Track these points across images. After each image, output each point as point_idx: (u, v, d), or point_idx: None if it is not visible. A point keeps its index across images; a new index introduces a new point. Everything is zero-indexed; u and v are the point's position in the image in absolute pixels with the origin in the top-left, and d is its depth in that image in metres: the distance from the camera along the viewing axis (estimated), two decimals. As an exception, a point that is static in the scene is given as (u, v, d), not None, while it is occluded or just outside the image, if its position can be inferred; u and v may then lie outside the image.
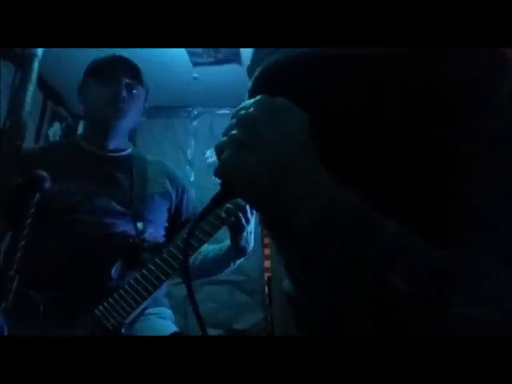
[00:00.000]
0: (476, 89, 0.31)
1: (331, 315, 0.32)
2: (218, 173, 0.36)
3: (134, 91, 1.14)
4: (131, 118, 1.15)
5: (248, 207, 1.02)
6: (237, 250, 1.07)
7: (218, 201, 0.39)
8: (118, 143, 1.18)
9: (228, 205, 1.00)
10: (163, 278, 0.92)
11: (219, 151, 0.37)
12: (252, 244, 1.10)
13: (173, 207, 1.19)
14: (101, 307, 0.88)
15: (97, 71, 1.15)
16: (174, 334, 0.95)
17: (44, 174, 0.72)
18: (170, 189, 1.20)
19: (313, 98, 0.36)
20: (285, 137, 0.34)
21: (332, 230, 0.30)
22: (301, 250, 0.32)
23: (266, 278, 2.10)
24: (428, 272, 0.27)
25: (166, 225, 1.16)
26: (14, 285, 0.63)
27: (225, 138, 0.37)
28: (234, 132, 0.36)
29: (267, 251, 2.12)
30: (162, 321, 1.03)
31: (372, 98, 0.34)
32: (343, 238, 0.29)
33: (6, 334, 0.65)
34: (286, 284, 0.41)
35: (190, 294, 0.38)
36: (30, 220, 0.69)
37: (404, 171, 0.34)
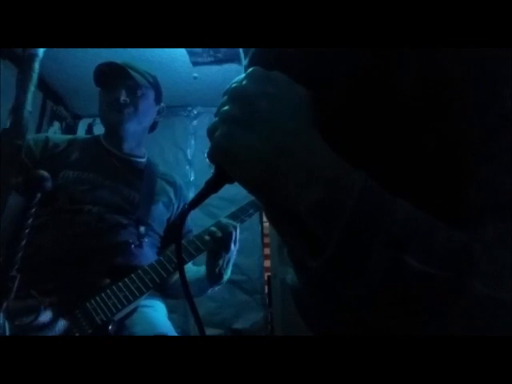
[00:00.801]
0: (477, 81, 0.31)
1: (340, 306, 0.31)
2: (210, 154, 0.33)
3: (138, 92, 1.16)
4: (138, 120, 1.17)
5: (232, 235, 1.00)
6: (210, 276, 1.04)
7: (212, 186, 0.35)
8: (133, 146, 1.22)
9: (212, 228, 1.00)
10: (157, 279, 0.93)
11: (211, 132, 0.33)
12: (227, 276, 1.06)
13: (172, 218, 1.22)
14: (93, 301, 0.89)
15: (98, 78, 1.17)
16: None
17: (45, 173, 0.72)
18: (174, 199, 1.23)
19: (312, 74, 0.34)
20: (283, 113, 0.31)
21: (338, 210, 0.27)
22: (304, 233, 0.30)
23: (266, 278, 2.10)
24: (445, 251, 0.26)
25: (162, 234, 1.19)
26: (16, 284, 0.63)
27: (216, 118, 0.33)
28: (226, 108, 0.32)
29: (267, 251, 2.12)
30: (155, 313, 1.05)
31: (373, 80, 0.32)
32: (351, 219, 0.27)
33: (7, 333, 0.65)
34: (290, 278, 0.39)
35: (188, 295, 0.38)
36: (31, 220, 0.69)
37: (410, 157, 0.32)
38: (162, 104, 1.28)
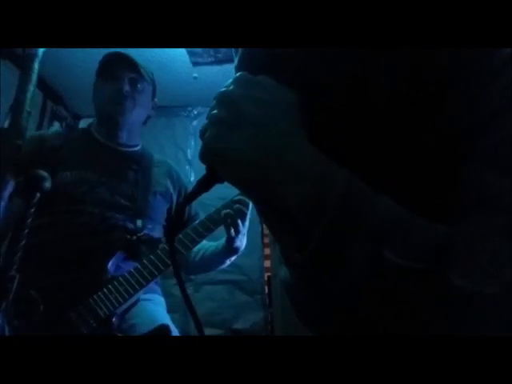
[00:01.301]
0: (472, 70, 0.31)
1: (327, 298, 0.31)
2: (201, 154, 0.35)
3: (139, 86, 1.17)
4: (137, 112, 1.18)
5: (247, 214, 1.06)
6: (230, 249, 1.12)
7: (203, 185, 0.37)
8: (127, 137, 1.22)
9: (227, 210, 1.05)
10: (156, 273, 0.97)
11: (202, 134, 0.35)
12: (244, 244, 1.15)
13: (173, 207, 1.22)
14: (95, 296, 0.92)
15: (101, 68, 1.18)
16: (163, 326, 0.97)
17: (44, 173, 0.72)
18: (172, 189, 1.23)
19: (300, 75, 0.35)
20: (269, 115, 0.32)
21: (323, 205, 0.28)
22: (293, 228, 0.31)
23: (266, 278, 2.10)
24: (424, 246, 0.27)
25: (164, 223, 1.19)
26: (15, 285, 0.62)
27: (207, 121, 0.35)
28: (215, 111, 0.34)
29: (267, 251, 2.12)
30: (154, 306, 1.07)
31: (362, 81, 0.33)
32: (335, 213, 0.28)
33: (6, 334, 0.65)
34: (283, 272, 0.40)
35: (184, 293, 0.38)
36: (30, 219, 0.69)
37: (397, 150, 0.33)
38: (156, 100, 1.30)
